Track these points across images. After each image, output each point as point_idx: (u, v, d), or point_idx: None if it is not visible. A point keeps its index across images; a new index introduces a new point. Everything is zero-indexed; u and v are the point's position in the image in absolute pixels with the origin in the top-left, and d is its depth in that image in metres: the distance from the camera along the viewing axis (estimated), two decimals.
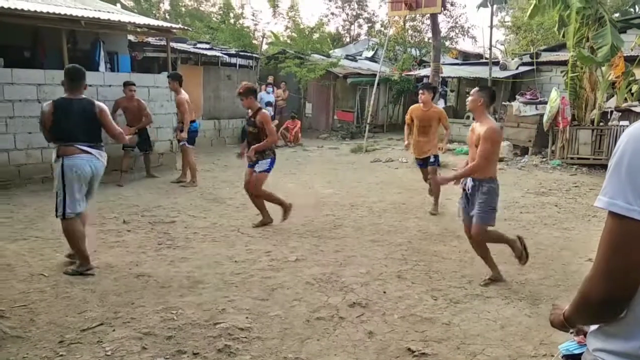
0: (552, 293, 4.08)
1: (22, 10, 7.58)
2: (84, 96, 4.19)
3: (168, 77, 8.13)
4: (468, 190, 4.11)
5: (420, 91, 6.54)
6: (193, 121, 8.14)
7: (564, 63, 12.60)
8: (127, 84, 7.98)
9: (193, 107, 8.27)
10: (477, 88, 4.29)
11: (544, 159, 11.44)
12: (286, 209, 5.71)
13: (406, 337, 3.27)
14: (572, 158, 10.91)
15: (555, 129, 11.28)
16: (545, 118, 11.30)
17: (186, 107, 7.77)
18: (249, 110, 5.76)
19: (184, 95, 7.80)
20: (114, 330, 3.21)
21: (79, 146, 4.00)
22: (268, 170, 5.65)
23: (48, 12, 8.02)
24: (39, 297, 3.67)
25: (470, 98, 4.19)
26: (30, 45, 10.16)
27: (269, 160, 5.61)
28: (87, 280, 4.01)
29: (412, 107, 6.75)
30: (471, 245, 4.29)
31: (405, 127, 6.87)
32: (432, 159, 6.57)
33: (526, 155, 11.95)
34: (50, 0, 9.35)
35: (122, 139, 4.50)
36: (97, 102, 4.24)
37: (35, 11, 7.80)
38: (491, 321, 3.54)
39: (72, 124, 4.00)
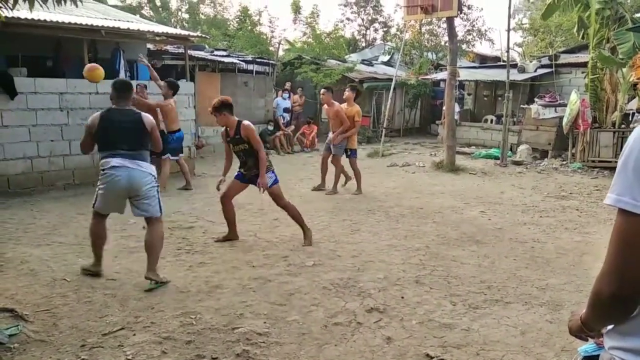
0: (573, 298, 4.01)
1: (45, 20, 7.75)
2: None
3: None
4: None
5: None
6: (177, 131, 7.90)
7: (583, 65, 12.43)
8: None
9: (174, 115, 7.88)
10: (323, 89, 8.07)
11: (564, 162, 11.27)
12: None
13: (425, 342, 3.25)
14: (593, 161, 10.73)
15: (575, 132, 11.12)
16: (564, 121, 11.14)
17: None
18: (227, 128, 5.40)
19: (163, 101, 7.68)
20: (134, 335, 3.26)
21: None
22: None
23: (70, 23, 8.19)
24: (62, 302, 3.74)
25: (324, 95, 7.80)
26: (52, 54, 10.38)
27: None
28: (108, 285, 4.08)
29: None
30: None
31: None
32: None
33: (545, 159, 11.80)
34: (71, 10, 9.54)
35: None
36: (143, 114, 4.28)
37: (57, 22, 7.98)
38: (511, 327, 3.49)
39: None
